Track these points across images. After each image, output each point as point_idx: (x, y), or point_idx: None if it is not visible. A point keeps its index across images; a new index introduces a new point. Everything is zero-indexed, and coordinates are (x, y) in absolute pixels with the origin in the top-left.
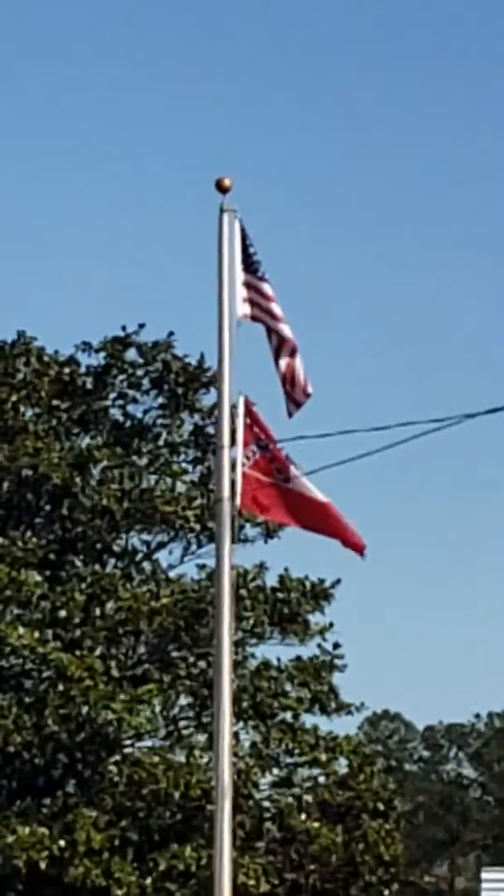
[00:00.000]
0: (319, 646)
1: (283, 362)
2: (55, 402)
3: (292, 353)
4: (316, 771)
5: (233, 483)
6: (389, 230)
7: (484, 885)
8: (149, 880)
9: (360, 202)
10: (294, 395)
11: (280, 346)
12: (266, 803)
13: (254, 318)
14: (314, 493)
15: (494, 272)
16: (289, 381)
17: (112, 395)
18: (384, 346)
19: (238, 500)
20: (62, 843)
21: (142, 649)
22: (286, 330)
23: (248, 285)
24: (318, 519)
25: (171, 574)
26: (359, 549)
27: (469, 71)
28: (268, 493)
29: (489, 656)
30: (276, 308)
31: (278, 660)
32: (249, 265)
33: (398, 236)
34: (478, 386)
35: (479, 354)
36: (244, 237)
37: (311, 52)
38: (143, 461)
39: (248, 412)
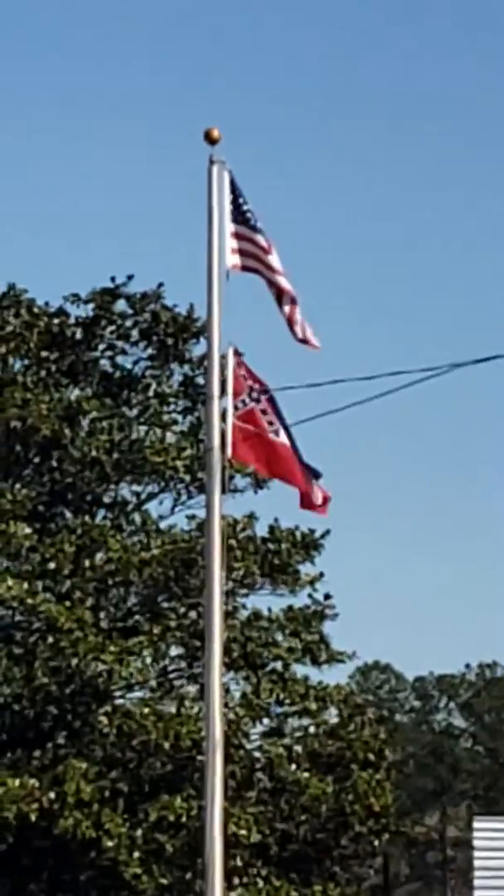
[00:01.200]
0: (310, 596)
1: (286, 309)
2: (44, 354)
3: (293, 302)
4: (306, 721)
5: (222, 433)
6: (378, 178)
7: (476, 834)
8: (139, 831)
9: (351, 149)
10: (304, 336)
11: (280, 295)
12: (256, 753)
13: (245, 269)
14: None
15: (483, 222)
16: (294, 324)
17: (101, 347)
18: (373, 296)
19: (228, 451)
20: (52, 794)
21: (132, 600)
22: (283, 281)
23: (239, 236)
24: (296, 472)
25: (162, 525)
26: (317, 509)
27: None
28: (256, 444)
29: (480, 607)
30: (273, 260)
31: (269, 610)
32: (241, 216)
33: (386, 184)
34: (466, 336)
35: (468, 303)
36: (234, 188)
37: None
38: (133, 412)
39: (239, 362)
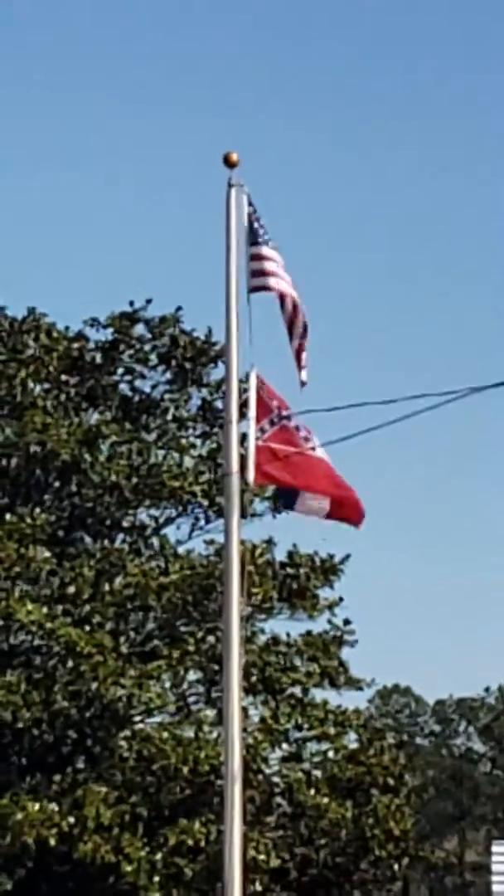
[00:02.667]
0: (329, 621)
1: (295, 343)
2: (64, 378)
3: (303, 335)
4: (325, 746)
5: (241, 458)
6: (396, 207)
7: (494, 858)
8: (158, 856)
9: (366, 180)
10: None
11: (292, 322)
12: (276, 778)
13: (267, 289)
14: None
15: (490, 252)
16: (297, 360)
17: (120, 371)
18: (392, 321)
19: (250, 475)
20: (71, 819)
21: (151, 625)
22: (299, 305)
23: (259, 257)
24: (331, 485)
25: (180, 549)
26: (354, 521)
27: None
28: (287, 462)
29: (499, 630)
30: (288, 283)
31: (288, 635)
32: (261, 238)
33: (405, 213)
34: (484, 360)
35: (487, 329)
36: (254, 211)
37: (315, 27)
38: (152, 436)
39: (262, 384)
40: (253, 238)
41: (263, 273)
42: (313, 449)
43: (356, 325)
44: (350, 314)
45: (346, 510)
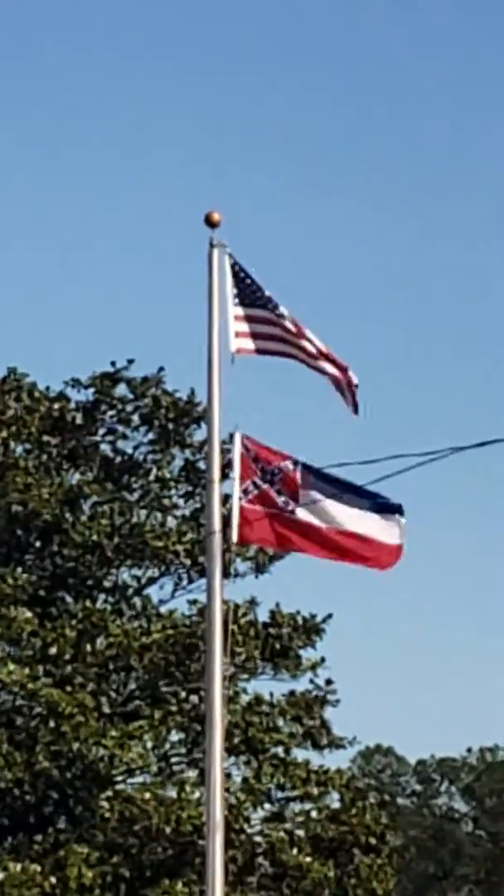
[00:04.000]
0: (311, 681)
1: (328, 372)
2: (45, 438)
3: (343, 374)
4: (308, 805)
5: (224, 518)
6: (378, 259)
7: None
8: None
9: (357, 235)
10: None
11: (314, 359)
12: (258, 838)
13: (249, 351)
14: (330, 518)
15: (483, 308)
16: (341, 383)
17: (102, 431)
18: (374, 378)
19: (233, 535)
20: (53, 879)
21: (133, 685)
22: (310, 347)
23: (242, 318)
24: (328, 545)
25: (162, 609)
26: (382, 564)
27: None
28: (271, 524)
29: (480, 691)
30: (306, 343)
31: (270, 695)
32: (252, 298)
33: (387, 270)
34: (466, 420)
35: (468, 388)
36: (241, 271)
37: (302, 77)
38: (134, 496)
39: (247, 444)
40: (236, 299)
41: (246, 334)
42: (292, 512)
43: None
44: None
45: (357, 558)
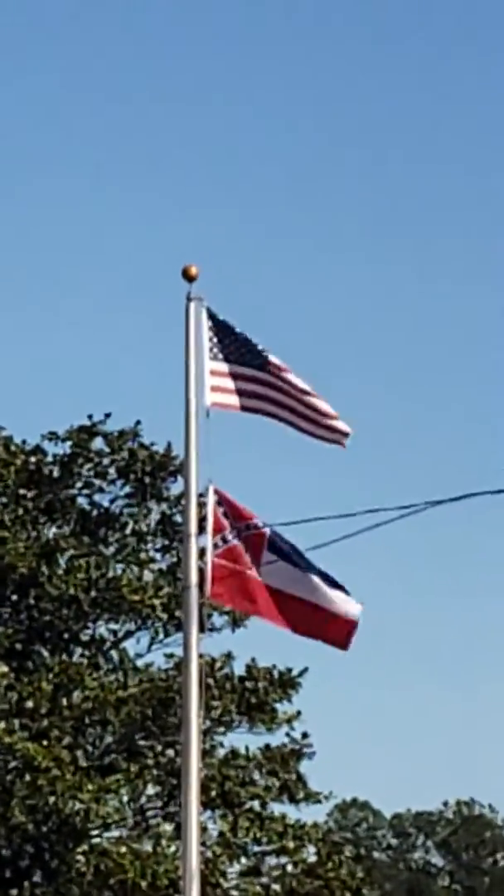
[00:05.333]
0: (287, 734)
1: (309, 430)
2: (22, 492)
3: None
4: (284, 859)
5: (200, 571)
6: (357, 314)
7: None
8: None
9: (332, 294)
10: (333, 429)
11: (292, 412)
12: (234, 892)
13: (225, 406)
14: (293, 588)
15: (460, 360)
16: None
17: (79, 484)
18: (355, 434)
19: (207, 589)
20: None
21: (109, 739)
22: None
23: (218, 373)
24: (285, 612)
25: (139, 663)
26: (341, 641)
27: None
28: (237, 583)
29: (457, 744)
30: (268, 391)
31: (246, 748)
32: (235, 354)
33: (364, 328)
34: (443, 474)
35: (445, 442)
36: (224, 325)
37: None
38: (111, 550)
39: (220, 499)
40: (212, 353)
41: (222, 389)
42: (255, 573)
43: (312, 442)
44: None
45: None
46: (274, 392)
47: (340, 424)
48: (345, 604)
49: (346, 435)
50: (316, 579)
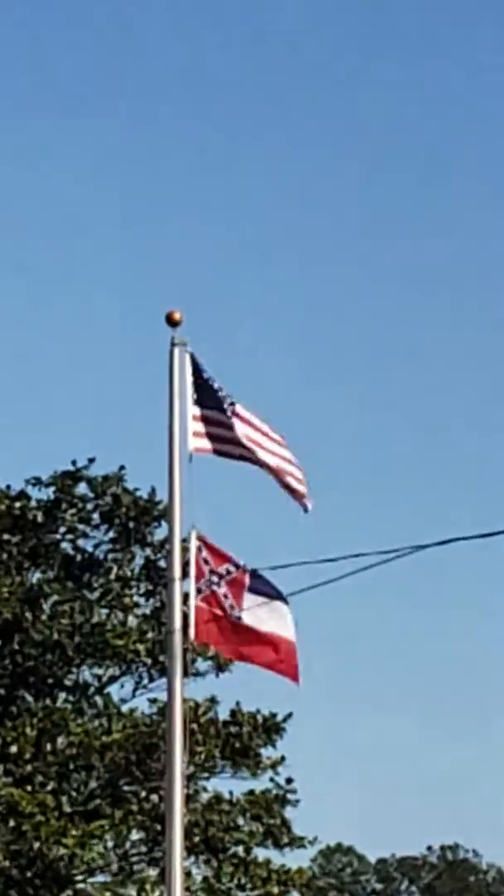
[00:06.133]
0: (272, 779)
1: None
2: (6, 537)
3: (287, 465)
4: None
5: (184, 616)
6: (336, 367)
7: None
8: None
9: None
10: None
11: (271, 470)
12: None
13: (208, 452)
14: (266, 626)
15: (433, 409)
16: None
17: (62, 530)
18: (332, 478)
19: (191, 633)
20: None
21: (93, 784)
22: (265, 455)
23: (202, 419)
24: (263, 653)
25: (123, 708)
26: (293, 677)
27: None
28: (219, 627)
29: (441, 789)
30: (248, 439)
31: (230, 793)
32: (210, 400)
33: (345, 372)
34: (428, 518)
35: (431, 488)
36: (200, 371)
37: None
38: (95, 595)
39: (203, 544)
40: (196, 399)
41: (205, 435)
42: (239, 619)
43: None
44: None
45: (284, 668)
46: (248, 435)
47: (301, 487)
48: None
49: (304, 498)
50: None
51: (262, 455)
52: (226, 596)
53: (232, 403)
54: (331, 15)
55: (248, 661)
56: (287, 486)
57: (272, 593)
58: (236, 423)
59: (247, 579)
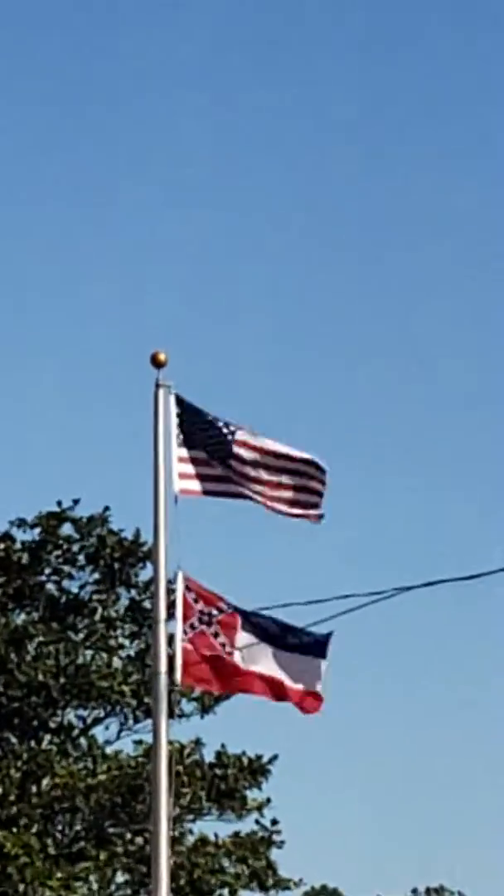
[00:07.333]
0: (257, 821)
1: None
2: None
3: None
4: None
5: (169, 658)
6: (327, 407)
7: None
8: None
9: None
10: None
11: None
12: None
13: (193, 493)
14: (263, 667)
15: (426, 453)
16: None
17: (47, 571)
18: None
19: (177, 675)
20: None
21: (79, 826)
22: (263, 487)
23: (187, 460)
24: (262, 686)
25: (108, 750)
26: (309, 709)
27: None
28: (210, 666)
29: (426, 830)
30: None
31: (216, 835)
32: (197, 440)
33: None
34: (412, 561)
35: (414, 529)
36: (188, 409)
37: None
38: (80, 636)
39: (189, 585)
40: (182, 440)
41: (193, 476)
42: (230, 654)
43: (280, 528)
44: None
45: (293, 699)
46: (243, 471)
47: (315, 499)
48: (312, 672)
49: (318, 513)
50: (287, 653)
51: (259, 487)
52: (216, 635)
53: (233, 431)
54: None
55: (246, 692)
56: (288, 511)
57: (266, 634)
58: (239, 451)
59: (239, 619)
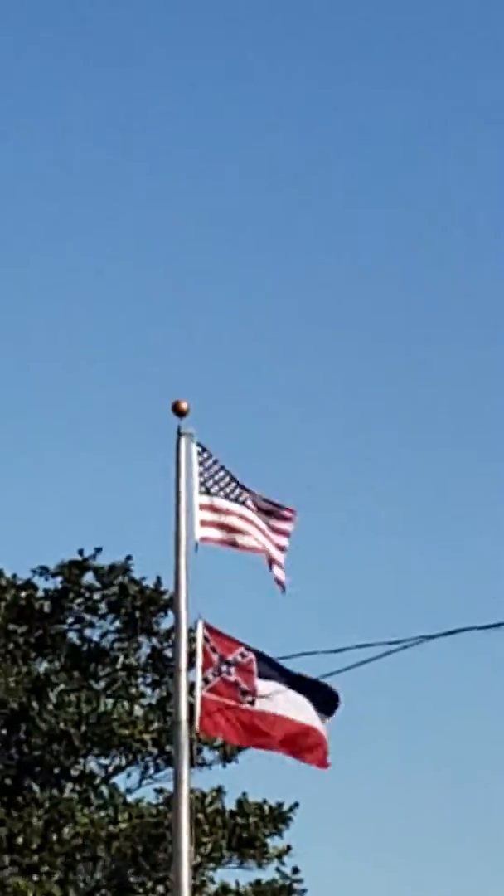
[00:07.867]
0: (278, 869)
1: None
2: (12, 626)
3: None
4: None
5: (190, 706)
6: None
7: None
8: None
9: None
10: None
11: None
12: None
13: (215, 541)
14: (285, 710)
15: (444, 494)
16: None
17: (69, 619)
18: (339, 569)
19: (197, 723)
20: None
21: (100, 874)
22: (268, 546)
23: (208, 508)
24: (283, 738)
25: (130, 798)
26: (320, 764)
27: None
28: (229, 717)
29: (446, 876)
30: (254, 530)
31: (237, 884)
32: (218, 488)
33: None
34: (434, 609)
35: (434, 577)
36: (209, 458)
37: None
38: (101, 685)
39: (209, 634)
40: (202, 488)
41: (213, 524)
42: (252, 703)
43: (302, 575)
44: (296, 564)
45: (307, 754)
46: (250, 527)
47: (278, 572)
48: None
49: (280, 583)
50: (302, 700)
51: (264, 543)
52: (237, 683)
53: (244, 499)
54: None
55: (263, 748)
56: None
57: (286, 680)
58: (248, 514)
59: (256, 666)
